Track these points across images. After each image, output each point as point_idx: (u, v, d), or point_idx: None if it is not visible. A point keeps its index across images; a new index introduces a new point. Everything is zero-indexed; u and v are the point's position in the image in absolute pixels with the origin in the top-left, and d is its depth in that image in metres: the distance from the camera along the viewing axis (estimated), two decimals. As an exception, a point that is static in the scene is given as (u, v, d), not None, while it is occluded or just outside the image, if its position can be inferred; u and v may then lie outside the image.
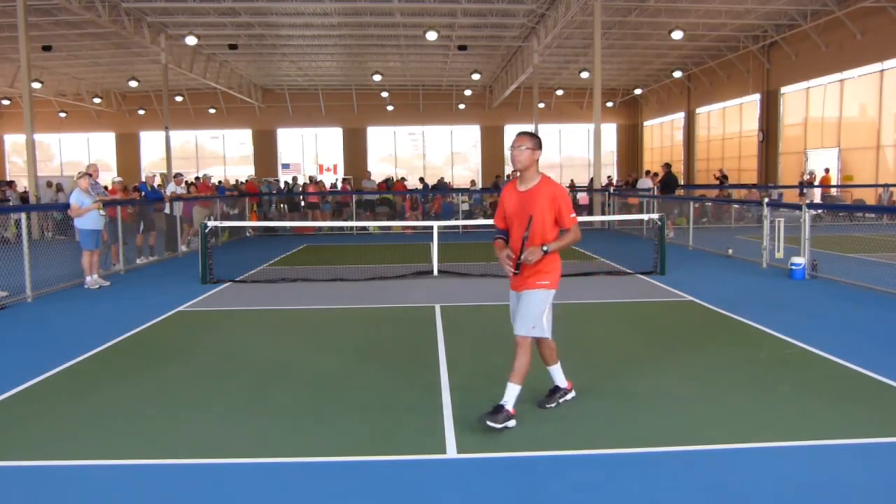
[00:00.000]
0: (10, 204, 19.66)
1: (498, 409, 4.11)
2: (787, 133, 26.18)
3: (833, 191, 22.02)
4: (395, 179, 26.43)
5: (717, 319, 7.43)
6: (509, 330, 7.11)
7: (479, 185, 28.66)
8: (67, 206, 10.29)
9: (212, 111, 37.27)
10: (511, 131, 39.32)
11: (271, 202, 22.76)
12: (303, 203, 22.28)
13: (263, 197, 22.69)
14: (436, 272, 10.80)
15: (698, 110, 33.50)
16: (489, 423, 4.04)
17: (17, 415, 4.65)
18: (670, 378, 5.26)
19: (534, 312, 4.26)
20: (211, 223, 11.03)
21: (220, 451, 3.96)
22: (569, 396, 4.71)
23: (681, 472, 3.63)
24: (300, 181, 27.24)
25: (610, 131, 39.69)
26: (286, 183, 26.75)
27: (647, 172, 23.39)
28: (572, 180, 30.07)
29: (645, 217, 13.17)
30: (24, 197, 21.46)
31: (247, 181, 25.17)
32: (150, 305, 8.50)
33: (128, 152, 38.27)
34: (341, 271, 11.38)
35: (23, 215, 10.10)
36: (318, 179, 27.88)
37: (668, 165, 19.53)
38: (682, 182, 29.07)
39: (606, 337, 6.88)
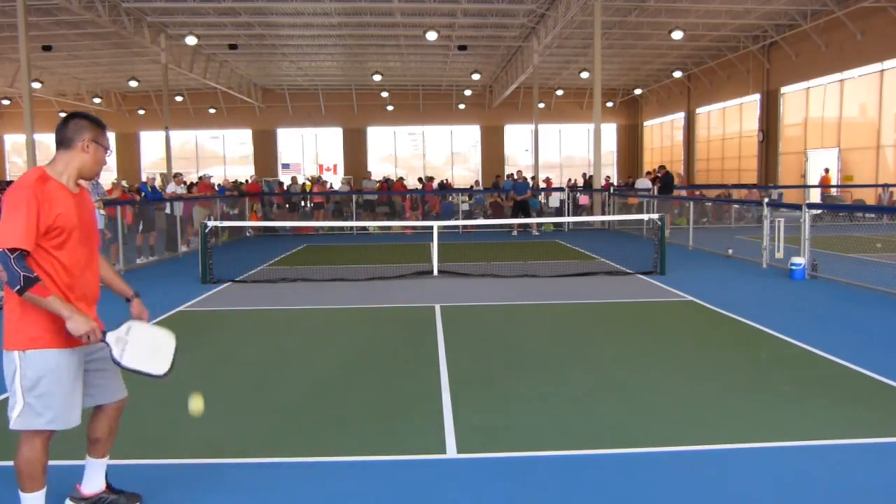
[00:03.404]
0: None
1: None
2: (787, 133, 26.18)
3: (833, 191, 22.02)
4: (394, 180, 26.43)
5: (717, 319, 7.42)
6: (509, 330, 7.16)
7: (481, 186, 28.68)
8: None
9: (212, 111, 37.29)
10: (511, 131, 39.38)
11: (272, 203, 22.74)
12: (307, 203, 22.29)
13: (266, 197, 22.67)
14: (436, 272, 10.80)
15: (698, 110, 33.50)
16: None
17: (17, 415, 4.64)
18: (670, 378, 5.26)
19: (10, 388, 2.77)
20: (211, 223, 11.03)
21: (220, 451, 3.96)
22: None
23: (681, 472, 3.63)
24: (299, 181, 27.20)
25: (610, 131, 39.69)
26: (292, 181, 26.67)
27: (648, 173, 23.43)
28: (575, 180, 29.95)
29: (645, 217, 13.17)
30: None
31: (249, 181, 25.11)
32: (149, 305, 8.36)
33: (128, 152, 38.30)
34: (341, 271, 11.37)
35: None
36: (323, 180, 27.82)
37: (663, 167, 19.77)
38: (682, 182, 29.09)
39: (606, 337, 6.88)
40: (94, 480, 3.17)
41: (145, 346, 2.94)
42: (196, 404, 3.13)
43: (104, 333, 2.82)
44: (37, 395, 2.73)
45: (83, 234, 2.84)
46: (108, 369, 3.00)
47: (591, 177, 24.12)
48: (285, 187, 24.61)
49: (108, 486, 3.20)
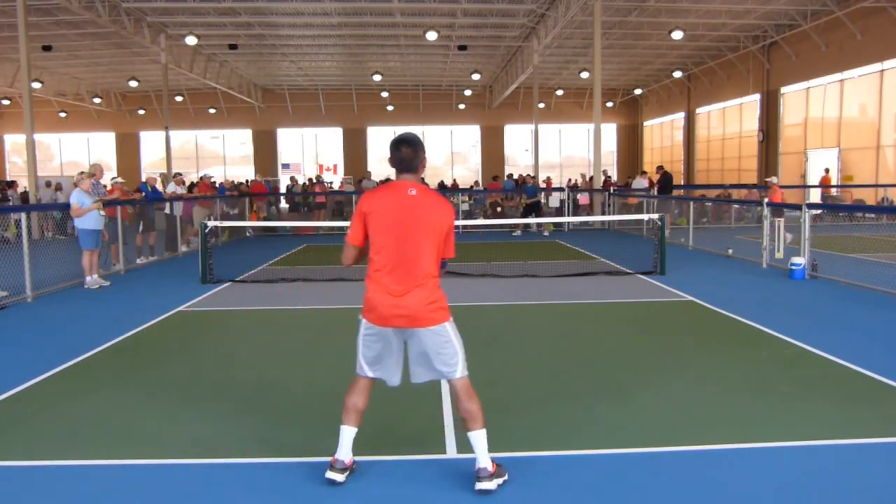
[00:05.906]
0: (11, 204, 19.65)
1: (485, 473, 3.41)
2: (787, 133, 26.17)
3: (833, 191, 22.02)
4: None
5: (717, 319, 7.42)
6: (509, 330, 7.15)
7: (481, 186, 28.67)
8: (67, 206, 10.29)
9: (212, 111, 37.27)
10: (511, 131, 39.37)
11: (272, 203, 22.73)
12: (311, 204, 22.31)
13: (271, 197, 22.66)
14: (436, 272, 10.78)
15: (698, 110, 33.49)
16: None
17: (17, 415, 4.65)
18: (670, 378, 5.26)
19: (454, 347, 3.62)
20: (211, 223, 11.03)
21: (220, 450, 3.96)
22: None
23: (681, 472, 3.63)
24: (300, 181, 27.20)
25: (610, 131, 39.67)
26: (294, 179, 26.63)
27: (644, 173, 23.45)
28: (576, 180, 29.80)
29: (645, 217, 13.18)
30: (24, 197, 21.45)
31: (254, 181, 25.01)
32: (149, 305, 8.50)
33: (128, 152, 38.27)
34: (341, 271, 11.36)
35: (23, 215, 10.09)
36: (325, 181, 27.81)
37: (661, 167, 19.86)
38: (681, 181, 29.12)
39: (606, 337, 6.88)
40: (482, 454, 3.47)
41: None
42: None
43: None
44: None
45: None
46: None
47: (591, 177, 24.13)
48: (285, 188, 24.63)
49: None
